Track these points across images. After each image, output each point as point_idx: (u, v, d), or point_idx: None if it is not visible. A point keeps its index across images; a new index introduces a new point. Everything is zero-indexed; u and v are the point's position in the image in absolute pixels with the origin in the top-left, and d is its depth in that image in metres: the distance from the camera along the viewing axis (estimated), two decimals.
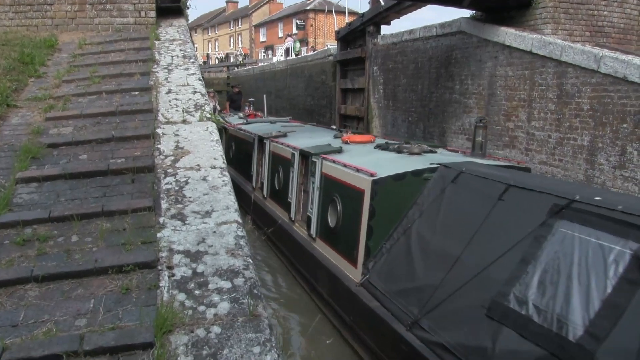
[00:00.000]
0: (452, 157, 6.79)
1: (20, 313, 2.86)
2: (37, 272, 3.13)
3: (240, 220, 3.67)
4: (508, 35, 9.07)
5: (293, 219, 8.32)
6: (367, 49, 14.23)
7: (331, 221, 6.75)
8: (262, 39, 56.23)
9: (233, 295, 2.95)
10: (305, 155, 7.99)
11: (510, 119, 9.11)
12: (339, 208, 6.51)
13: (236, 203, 3.89)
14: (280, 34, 50.79)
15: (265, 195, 9.83)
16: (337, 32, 16.45)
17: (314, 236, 7.24)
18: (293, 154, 8.37)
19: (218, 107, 17.77)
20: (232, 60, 43.23)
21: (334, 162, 6.88)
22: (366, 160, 6.57)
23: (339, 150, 7.44)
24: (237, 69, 36.00)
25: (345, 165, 6.53)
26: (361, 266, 5.75)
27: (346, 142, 8.16)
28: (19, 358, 2.50)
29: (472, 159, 6.56)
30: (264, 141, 9.93)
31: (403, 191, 5.71)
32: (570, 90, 7.89)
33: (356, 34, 15.14)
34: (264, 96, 17.10)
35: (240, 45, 60.06)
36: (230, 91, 21.01)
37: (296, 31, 46.65)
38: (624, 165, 6.96)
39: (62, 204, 3.90)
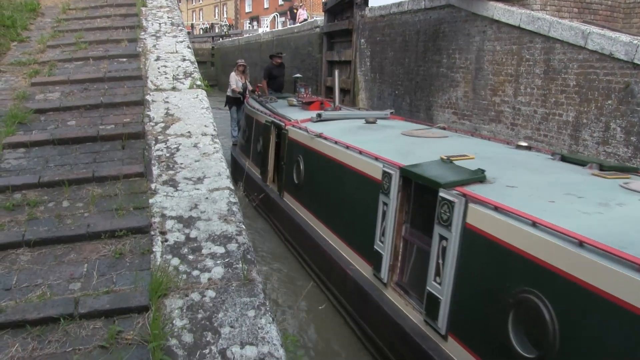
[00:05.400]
0: None
1: (13, 277, 2.86)
2: (29, 236, 3.12)
3: (232, 187, 3.69)
4: (497, 9, 9.06)
5: None
6: (354, 21, 14.11)
7: None
8: (247, 9, 55.32)
9: (227, 260, 2.97)
10: None
11: (496, 94, 9.15)
12: None
13: (227, 170, 3.89)
14: (266, 5, 49.96)
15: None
16: (325, 4, 16.26)
17: None
18: None
19: (249, 87, 12.96)
20: (216, 30, 42.64)
21: None
22: None
23: None
24: (222, 39, 35.53)
25: None
26: None
27: None
28: (14, 320, 2.51)
29: None
30: (445, 197, 4.10)
31: None
32: (557, 66, 7.93)
33: (343, 6, 14.98)
34: (336, 72, 10.36)
35: (225, 15, 59.06)
36: (267, 62, 14.36)
37: (282, 2, 45.98)
38: (607, 142, 7.06)
39: (51, 170, 3.87)
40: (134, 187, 3.65)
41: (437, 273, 4.12)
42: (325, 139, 6.56)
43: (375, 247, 5.11)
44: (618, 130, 6.89)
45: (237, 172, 10.76)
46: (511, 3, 9.19)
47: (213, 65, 34.51)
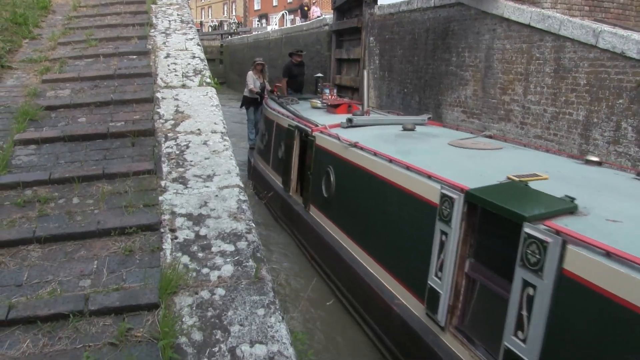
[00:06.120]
0: None
1: (23, 273, 2.88)
2: (39, 233, 3.14)
3: (242, 185, 3.69)
4: (507, 7, 9.00)
5: None
6: (363, 19, 14.07)
7: None
8: (256, 7, 55.33)
9: (236, 258, 2.98)
10: None
11: (506, 92, 9.10)
12: None
13: (237, 167, 3.89)
14: (275, 3, 49.99)
15: None
16: (334, 2, 16.22)
17: None
18: None
19: (268, 87, 12.30)
20: (225, 28, 42.68)
21: None
22: None
23: None
24: (231, 37, 35.56)
25: None
26: None
27: None
28: (25, 316, 2.53)
29: None
30: (533, 235, 3.36)
31: None
32: (567, 64, 7.88)
33: (352, 4, 14.94)
34: (365, 73, 10.01)
35: (234, 13, 59.13)
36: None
37: (291, 0, 45.95)
38: (618, 141, 7.01)
39: (62, 166, 3.89)
40: (144, 184, 3.65)
41: (520, 327, 3.40)
42: (362, 149, 5.78)
43: (429, 282, 4.31)
44: (629, 130, 6.83)
45: (255, 177, 10.44)
46: (521, 1, 9.14)
47: (222, 62, 34.56)
